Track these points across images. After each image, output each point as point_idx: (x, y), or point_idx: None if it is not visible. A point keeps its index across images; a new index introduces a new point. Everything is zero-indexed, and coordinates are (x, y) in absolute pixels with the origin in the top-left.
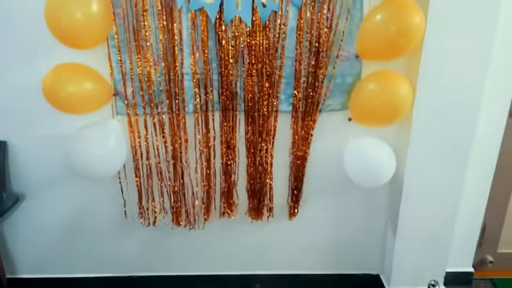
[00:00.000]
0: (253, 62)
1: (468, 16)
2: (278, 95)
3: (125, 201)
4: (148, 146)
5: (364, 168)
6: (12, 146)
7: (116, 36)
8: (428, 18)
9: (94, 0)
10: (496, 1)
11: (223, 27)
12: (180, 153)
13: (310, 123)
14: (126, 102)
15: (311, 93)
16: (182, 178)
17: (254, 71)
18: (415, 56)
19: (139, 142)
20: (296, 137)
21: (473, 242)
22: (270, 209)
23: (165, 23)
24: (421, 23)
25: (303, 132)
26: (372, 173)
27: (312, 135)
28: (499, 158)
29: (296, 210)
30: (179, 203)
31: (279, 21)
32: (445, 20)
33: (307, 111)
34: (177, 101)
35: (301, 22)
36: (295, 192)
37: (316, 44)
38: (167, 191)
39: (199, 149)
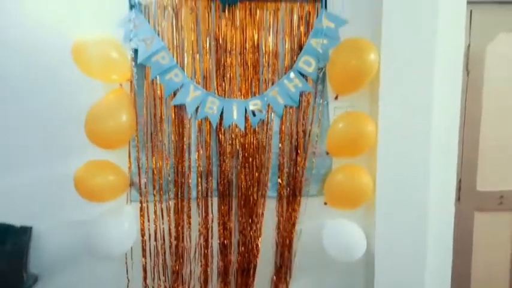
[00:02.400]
0: (245, 157)
1: (409, 125)
2: (266, 183)
3: (128, 281)
4: (156, 229)
5: (340, 245)
6: (37, 230)
7: (136, 138)
8: (379, 126)
9: (123, 113)
10: (429, 119)
11: (222, 131)
12: (183, 234)
13: (295, 207)
14: (139, 191)
15: (293, 182)
16: (182, 258)
17: (246, 164)
18: (372, 153)
19: (149, 225)
20: (281, 219)
21: None
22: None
23: (177, 128)
24: (373, 131)
25: (288, 214)
26: (347, 249)
27: (296, 217)
28: (455, 235)
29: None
30: (178, 282)
31: (265, 127)
32: (393, 128)
33: (291, 197)
34: (182, 189)
35: (283, 127)
36: (283, 270)
37: (296, 143)
38: (167, 272)
39: (199, 230)
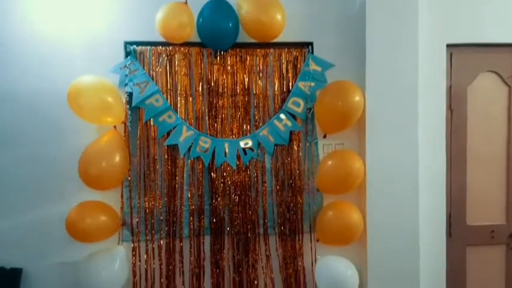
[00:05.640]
0: (237, 194)
1: (397, 161)
2: (258, 220)
3: None
4: (147, 269)
5: (332, 282)
6: (27, 272)
7: (129, 178)
8: (367, 163)
9: (117, 154)
10: (416, 155)
11: (214, 169)
12: (174, 273)
13: (298, 243)
14: (131, 230)
15: (288, 218)
16: None
17: (239, 201)
18: (362, 189)
19: (140, 265)
20: (282, 257)
21: None
22: None
23: (169, 167)
24: (360, 168)
25: (291, 251)
26: (340, 286)
27: (302, 254)
28: (448, 270)
29: None
30: None
31: (257, 165)
32: (381, 164)
33: (290, 233)
34: (174, 228)
35: (276, 164)
36: None
37: (290, 181)
38: None
39: (191, 270)
